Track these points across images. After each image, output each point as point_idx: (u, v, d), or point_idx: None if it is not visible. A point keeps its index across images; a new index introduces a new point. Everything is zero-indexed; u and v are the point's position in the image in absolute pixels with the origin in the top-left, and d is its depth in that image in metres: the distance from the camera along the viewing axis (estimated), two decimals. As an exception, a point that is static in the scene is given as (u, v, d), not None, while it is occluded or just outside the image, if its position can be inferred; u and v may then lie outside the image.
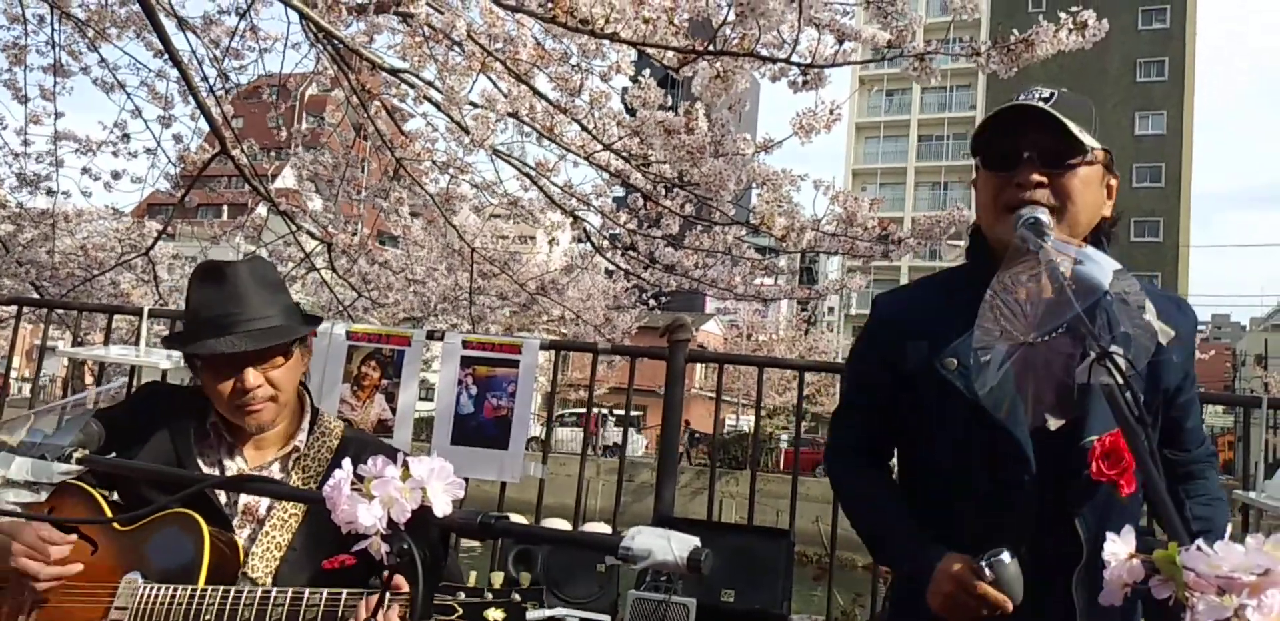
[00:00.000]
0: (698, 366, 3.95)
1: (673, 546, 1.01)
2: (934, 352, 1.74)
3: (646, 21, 2.96)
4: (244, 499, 2.03)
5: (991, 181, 1.73)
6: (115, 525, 1.91)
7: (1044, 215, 1.62)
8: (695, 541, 1.02)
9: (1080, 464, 1.64)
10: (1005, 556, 1.57)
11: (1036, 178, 1.67)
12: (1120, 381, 1.33)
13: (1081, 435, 1.65)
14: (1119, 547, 1.15)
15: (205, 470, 2.03)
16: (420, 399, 3.86)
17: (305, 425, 2.13)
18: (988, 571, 1.56)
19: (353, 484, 1.11)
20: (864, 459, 1.94)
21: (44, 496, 1.36)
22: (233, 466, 2.06)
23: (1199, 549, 1.03)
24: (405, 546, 1.07)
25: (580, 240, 6.68)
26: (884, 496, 1.88)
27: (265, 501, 2.03)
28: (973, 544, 1.65)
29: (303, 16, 4.17)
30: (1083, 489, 1.66)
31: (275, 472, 2.09)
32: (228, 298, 1.99)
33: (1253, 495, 3.41)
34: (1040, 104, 1.67)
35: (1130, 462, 1.60)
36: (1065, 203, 1.67)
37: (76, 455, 1.37)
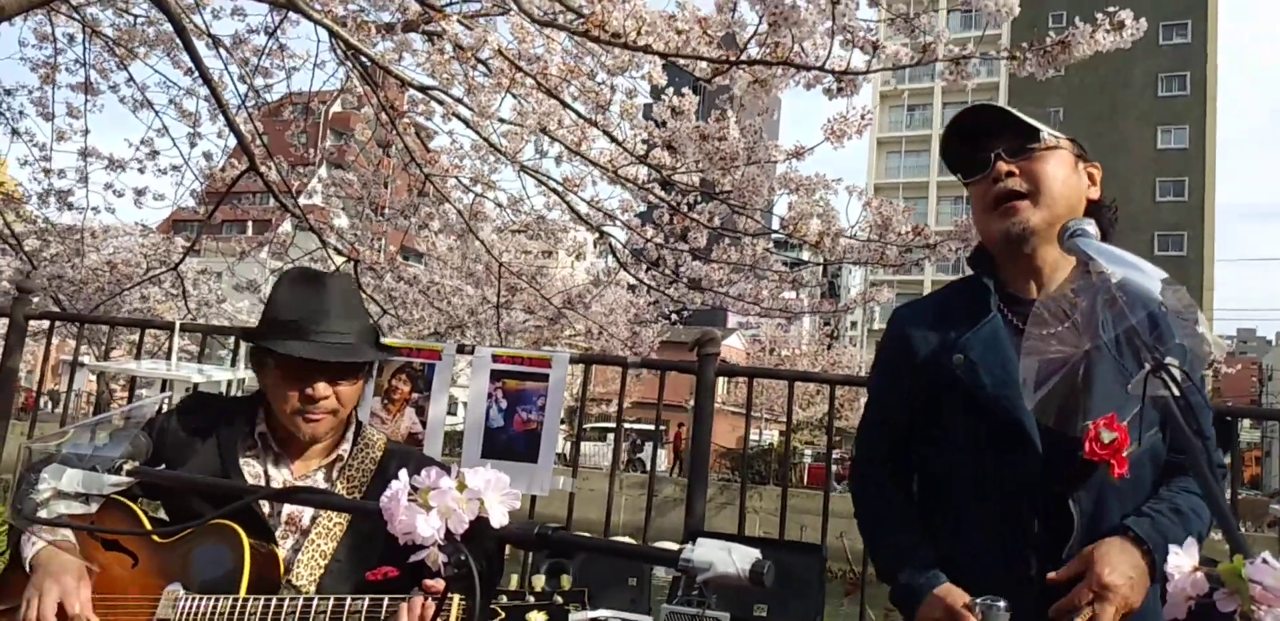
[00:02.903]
0: (720, 381, 3.93)
1: (734, 558, 1.00)
2: (942, 351, 1.83)
3: (679, 33, 2.97)
4: (287, 509, 2.04)
5: (974, 189, 1.88)
6: (156, 538, 1.92)
7: (1090, 227, 1.64)
8: (756, 553, 1.01)
9: (1076, 446, 1.66)
10: (1000, 604, 1.62)
11: (1006, 168, 1.80)
12: (1176, 393, 1.33)
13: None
14: (1183, 560, 1.13)
15: (249, 479, 2.03)
16: (446, 413, 3.86)
17: (350, 435, 2.15)
18: (979, 610, 1.63)
19: (409, 495, 1.11)
20: (887, 472, 1.98)
21: (95, 508, 1.37)
22: (277, 475, 2.07)
23: (1265, 561, 1.02)
24: (463, 557, 1.06)
25: (603, 255, 6.68)
26: (898, 509, 1.94)
27: (309, 511, 2.03)
28: (977, 531, 1.77)
29: (333, 35, 4.21)
30: (1077, 470, 1.69)
31: (319, 481, 2.10)
32: (316, 306, 2.02)
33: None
34: (986, 101, 1.84)
35: (1122, 443, 1.61)
36: (1038, 186, 1.79)
37: (127, 467, 1.38)
